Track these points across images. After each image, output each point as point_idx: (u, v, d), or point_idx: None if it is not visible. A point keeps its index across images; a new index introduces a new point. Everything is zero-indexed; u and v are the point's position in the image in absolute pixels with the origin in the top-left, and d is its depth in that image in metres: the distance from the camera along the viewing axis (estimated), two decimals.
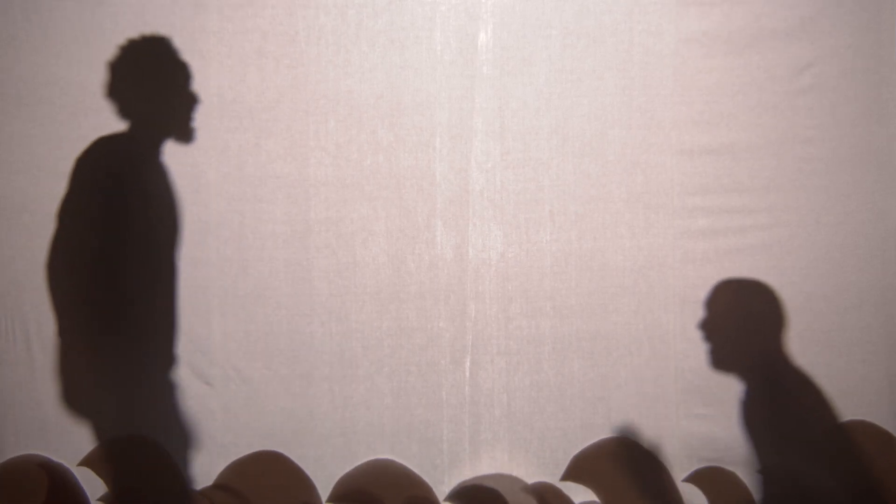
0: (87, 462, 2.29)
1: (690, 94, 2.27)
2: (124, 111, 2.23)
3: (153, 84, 2.24)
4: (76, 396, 2.28)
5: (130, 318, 2.25)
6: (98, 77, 2.21)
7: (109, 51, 2.20)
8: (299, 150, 2.26)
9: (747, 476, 2.30)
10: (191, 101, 2.23)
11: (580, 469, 2.32)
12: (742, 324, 2.30)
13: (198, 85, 2.23)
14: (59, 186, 2.23)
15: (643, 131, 2.28)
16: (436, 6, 2.24)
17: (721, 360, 2.30)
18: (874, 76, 2.28)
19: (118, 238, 2.24)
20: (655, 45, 2.26)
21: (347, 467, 2.33)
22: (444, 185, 2.28)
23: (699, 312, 2.30)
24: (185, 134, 2.24)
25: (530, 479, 2.32)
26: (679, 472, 2.33)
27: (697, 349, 2.31)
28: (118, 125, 2.23)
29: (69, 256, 2.25)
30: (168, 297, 2.25)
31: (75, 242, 2.25)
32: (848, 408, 2.30)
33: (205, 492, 2.29)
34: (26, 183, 2.23)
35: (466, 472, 2.32)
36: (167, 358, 2.27)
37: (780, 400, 2.29)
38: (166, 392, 2.28)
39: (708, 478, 2.32)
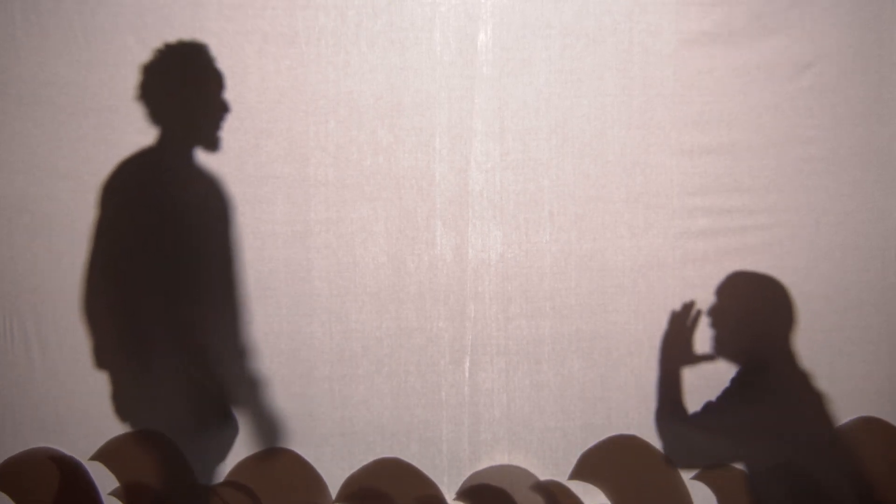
0: (98, 456, 2.29)
1: (690, 94, 2.26)
2: (155, 117, 2.23)
3: (183, 90, 2.24)
4: (133, 414, 2.30)
5: (197, 329, 2.27)
6: (98, 77, 2.21)
7: (109, 51, 2.21)
8: (299, 151, 2.27)
9: (754, 474, 2.30)
10: (221, 105, 2.23)
11: (588, 467, 2.32)
12: (750, 314, 2.30)
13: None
14: (59, 187, 2.24)
15: (643, 131, 2.28)
16: (435, 7, 2.24)
17: (724, 347, 2.29)
18: (874, 76, 2.27)
19: (158, 256, 2.26)
20: (655, 45, 2.25)
21: (347, 467, 2.33)
22: (443, 185, 2.28)
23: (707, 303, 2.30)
24: (214, 139, 2.24)
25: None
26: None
27: (697, 349, 2.31)
28: (110, 126, 2.23)
29: (107, 281, 2.26)
30: (231, 298, 2.27)
31: (113, 267, 2.26)
32: (848, 408, 2.30)
33: (215, 488, 2.30)
34: (26, 183, 2.23)
35: (466, 473, 2.33)
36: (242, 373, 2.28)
37: (779, 396, 2.29)
38: (180, 389, 2.29)
39: (716, 476, 2.31)
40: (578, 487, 2.32)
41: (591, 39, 2.25)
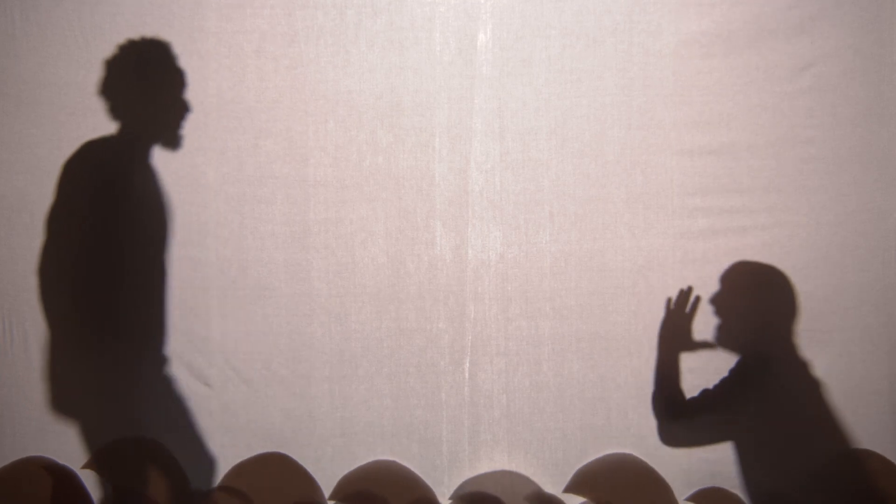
0: (90, 465, 2.28)
1: (690, 95, 2.26)
2: (115, 112, 2.23)
3: (145, 86, 2.24)
4: (70, 403, 2.29)
5: (125, 322, 2.26)
6: (98, 77, 2.21)
7: (108, 51, 2.21)
8: (298, 151, 2.27)
9: (748, 496, 2.29)
10: (183, 104, 2.23)
11: (583, 482, 2.30)
12: (752, 303, 2.30)
13: (196, 85, 2.24)
14: None
15: (642, 132, 2.28)
16: (435, 7, 2.24)
17: (725, 335, 2.29)
18: (874, 76, 2.27)
19: (109, 242, 2.24)
20: (655, 46, 2.25)
21: (347, 468, 2.32)
22: (443, 185, 2.28)
23: (701, 308, 2.30)
24: (174, 138, 2.24)
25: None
26: (677, 474, 2.32)
27: (696, 336, 2.31)
28: (108, 127, 2.23)
29: (60, 264, 2.25)
30: (159, 299, 2.25)
31: (66, 249, 2.25)
32: (848, 409, 2.29)
33: (209, 494, 2.29)
34: (26, 183, 2.24)
35: (466, 473, 2.32)
36: (161, 359, 2.27)
37: (779, 384, 2.28)
38: (168, 394, 2.28)
39: (711, 499, 2.30)
40: (574, 502, 2.31)
41: (591, 40, 2.25)
